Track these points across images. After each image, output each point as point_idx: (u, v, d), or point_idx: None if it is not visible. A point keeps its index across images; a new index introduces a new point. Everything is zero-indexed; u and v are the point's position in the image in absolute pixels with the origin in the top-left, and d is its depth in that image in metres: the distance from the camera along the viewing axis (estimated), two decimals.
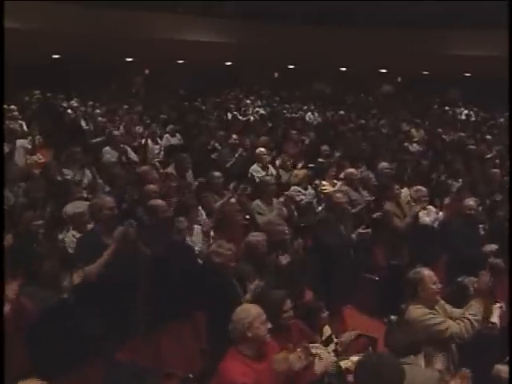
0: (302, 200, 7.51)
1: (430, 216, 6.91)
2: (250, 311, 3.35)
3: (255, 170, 8.30)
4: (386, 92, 25.17)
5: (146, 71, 24.26)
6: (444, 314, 3.93)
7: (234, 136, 9.42)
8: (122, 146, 8.79)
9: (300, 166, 8.55)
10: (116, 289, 4.25)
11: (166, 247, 4.62)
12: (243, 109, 17.22)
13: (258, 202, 6.28)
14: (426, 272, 3.95)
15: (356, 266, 5.90)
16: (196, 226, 5.53)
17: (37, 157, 11.21)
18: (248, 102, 17.82)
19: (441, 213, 6.96)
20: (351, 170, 7.43)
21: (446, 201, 7.31)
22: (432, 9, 20.03)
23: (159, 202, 4.95)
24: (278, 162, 8.57)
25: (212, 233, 5.46)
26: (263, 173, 8.22)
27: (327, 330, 4.63)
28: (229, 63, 23.86)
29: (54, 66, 20.52)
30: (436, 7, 19.88)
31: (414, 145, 11.62)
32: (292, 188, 7.73)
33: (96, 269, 4.17)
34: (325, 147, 9.37)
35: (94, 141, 9.87)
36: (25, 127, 13.28)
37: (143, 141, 11.88)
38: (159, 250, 4.52)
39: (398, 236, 6.51)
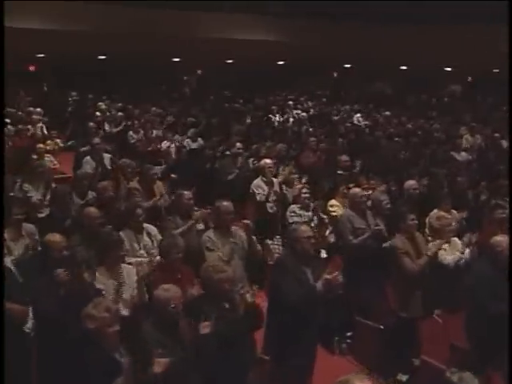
0: (293, 222, 6.19)
1: (453, 253, 5.36)
2: None
3: (257, 186, 7.04)
4: (452, 92, 22.98)
5: (199, 71, 23.56)
6: None
7: (238, 144, 8.13)
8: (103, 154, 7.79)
9: (304, 180, 7.14)
10: None
11: (48, 303, 3.43)
12: (286, 110, 15.93)
13: (210, 232, 4.95)
14: None
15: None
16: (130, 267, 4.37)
17: (49, 160, 10.57)
18: (290, 103, 16.43)
19: (467, 249, 5.36)
20: (356, 189, 5.96)
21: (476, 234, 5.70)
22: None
23: (55, 237, 3.78)
24: (280, 177, 7.20)
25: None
26: (266, 189, 6.98)
27: None
28: (281, 62, 22.60)
29: (100, 67, 20.16)
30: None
31: (463, 153, 9.92)
32: (289, 208, 6.42)
33: None
34: (344, 157, 7.91)
35: (81, 150, 8.91)
36: (45, 131, 12.77)
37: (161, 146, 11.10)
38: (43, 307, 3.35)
39: (408, 280, 5.04)
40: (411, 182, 6.65)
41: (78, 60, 19.40)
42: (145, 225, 5.34)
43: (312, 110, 17.55)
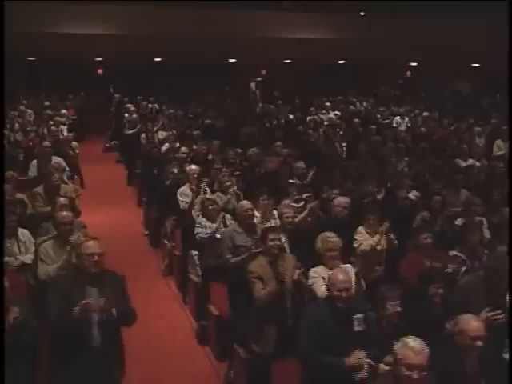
0: (197, 234, 5.54)
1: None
2: None
3: (182, 194, 6.48)
4: None
5: (263, 71, 23.21)
6: None
7: (184, 148, 7.57)
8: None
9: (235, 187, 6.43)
10: None
11: None
12: (322, 111, 15.05)
13: (48, 243, 4.47)
14: None
15: None
16: None
17: None
18: (327, 104, 15.49)
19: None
20: (244, 202, 5.18)
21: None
22: None
23: None
24: (204, 184, 6.57)
25: None
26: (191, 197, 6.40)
27: None
28: (342, 61, 21.60)
29: (155, 68, 20.40)
30: None
31: (471, 160, 8.65)
32: (198, 218, 5.78)
33: None
34: (300, 164, 7.08)
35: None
36: (65, 133, 12.93)
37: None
38: None
39: (257, 309, 4.26)
40: (340, 200, 5.70)
41: (134, 62, 19.78)
42: (19, 230, 5.19)
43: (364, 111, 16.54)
